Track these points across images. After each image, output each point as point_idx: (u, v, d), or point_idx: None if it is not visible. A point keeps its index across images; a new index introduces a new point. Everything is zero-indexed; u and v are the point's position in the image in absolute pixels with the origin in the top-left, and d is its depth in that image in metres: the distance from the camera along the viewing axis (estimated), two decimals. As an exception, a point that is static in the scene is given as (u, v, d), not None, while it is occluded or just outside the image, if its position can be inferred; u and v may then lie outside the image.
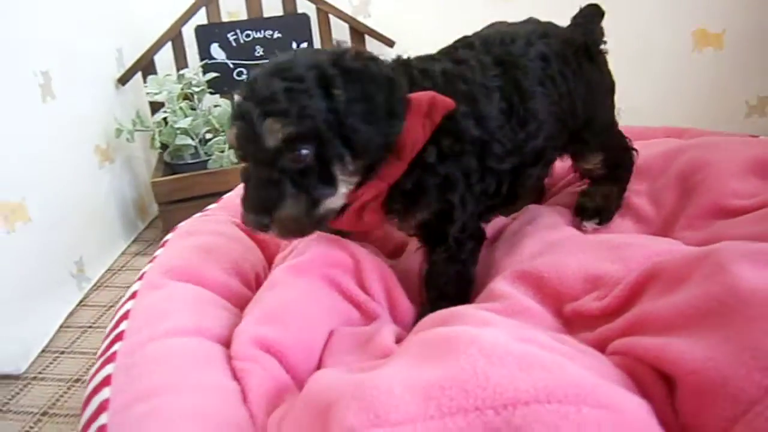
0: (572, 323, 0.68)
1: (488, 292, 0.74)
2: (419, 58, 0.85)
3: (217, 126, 1.63)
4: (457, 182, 0.77)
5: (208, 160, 1.60)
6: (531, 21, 0.97)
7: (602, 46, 1.00)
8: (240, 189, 1.16)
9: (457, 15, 1.97)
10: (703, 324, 0.50)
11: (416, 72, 0.80)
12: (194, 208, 1.22)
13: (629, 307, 0.61)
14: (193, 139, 1.61)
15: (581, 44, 0.94)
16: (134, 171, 1.84)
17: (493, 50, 0.86)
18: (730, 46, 1.93)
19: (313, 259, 0.82)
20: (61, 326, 1.30)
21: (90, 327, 1.29)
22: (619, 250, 0.72)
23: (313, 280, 0.80)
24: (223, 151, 1.59)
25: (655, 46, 1.98)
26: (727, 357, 0.46)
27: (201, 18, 1.81)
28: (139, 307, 0.78)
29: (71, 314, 1.35)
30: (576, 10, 1.05)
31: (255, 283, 0.92)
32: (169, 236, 1.00)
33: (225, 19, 1.88)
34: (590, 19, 1.02)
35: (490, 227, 0.95)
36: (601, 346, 0.60)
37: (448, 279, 0.81)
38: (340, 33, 1.94)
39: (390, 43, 1.97)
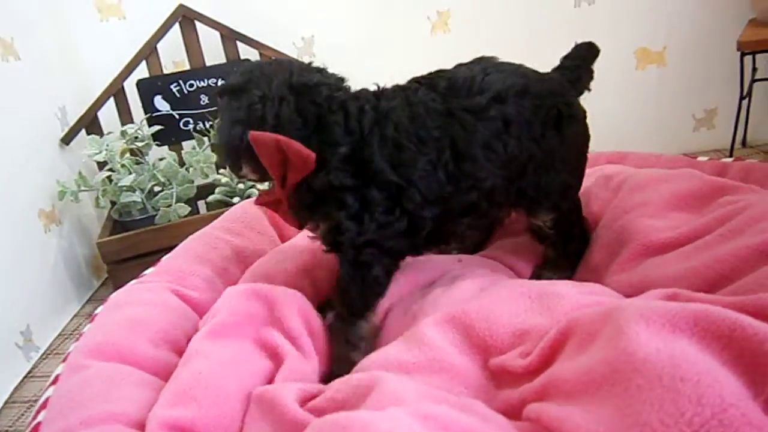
0: (498, 378, 0.67)
1: (416, 331, 0.72)
2: (385, 90, 0.85)
3: (162, 179, 1.61)
4: (346, 206, 0.78)
5: (156, 214, 1.57)
6: (519, 70, 0.88)
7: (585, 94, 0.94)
8: (179, 250, 1.15)
9: (403, 54, 1.98)
10: (598, 393, 0.49)
11: (353, 107, 0.80)
12: (144, 265, 1.19)
13: (548, 366, 0.60)
14: (139, 194, 1.58)
15: (553, 111, 0.85)
16: (85, 229, 1.81)
17: (451, 98, 0.82)
18: (673, 63, 1.97)
19: (225, 320, 0.80)
20: (6, 402, 1.26)
21: (38, 401, 1.24)
22: (549, 299, 0.70)
23: (230, 343, 0.78)
24: (170, 206, 1.57)
25: (598, 67, 2.00)
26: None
27: (142, 72, 1.79)
28: (58, 394, 0.75)
29: (18, 388, 1.31)
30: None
31: (188, 351, 0.90)
32: (99, 309, 0.97)
33: (168, 70, 1.87)
34: (580, 62, 0.94)
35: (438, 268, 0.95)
36: (521, 408, 0.59)
37: (348, 283, 0.81)
38: (287, 75, 1.94)
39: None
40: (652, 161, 1.23)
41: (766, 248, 0.73)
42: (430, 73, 0.88)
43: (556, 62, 0.96)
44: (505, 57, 0.90)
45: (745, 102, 1.79)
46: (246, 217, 1.23)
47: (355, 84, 0.86)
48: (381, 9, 1.95)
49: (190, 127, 1.83)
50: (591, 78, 0.95)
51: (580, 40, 0.97)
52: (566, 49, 0.96)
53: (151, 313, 0.92)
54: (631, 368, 0.48)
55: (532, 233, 0.97)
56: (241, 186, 1.64)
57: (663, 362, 0.47)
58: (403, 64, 1.96)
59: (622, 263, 0.91)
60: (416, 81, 0.87)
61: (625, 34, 1.94)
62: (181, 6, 1.75)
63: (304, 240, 1.16)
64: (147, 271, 1.13)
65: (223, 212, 1.25)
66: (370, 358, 0.72)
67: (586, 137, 0.95)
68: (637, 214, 0.96)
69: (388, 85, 0.87)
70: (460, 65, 0.90)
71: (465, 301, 0.80)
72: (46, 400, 0.75)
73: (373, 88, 0.86)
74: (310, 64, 0.87)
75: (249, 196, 1.62)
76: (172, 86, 1.80)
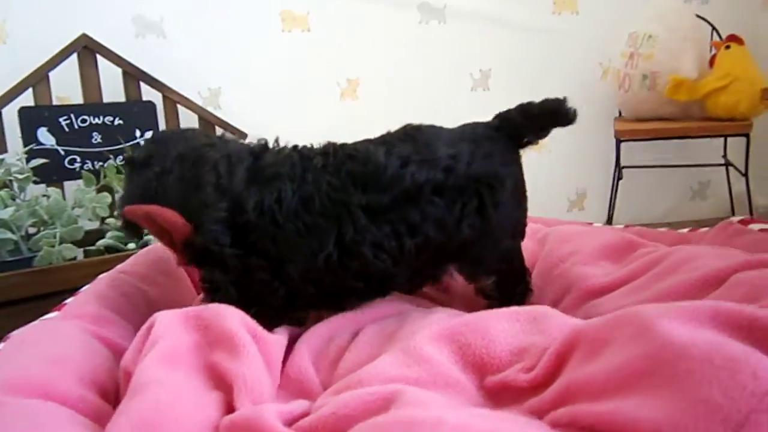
0: (497, 396, 0.64)
1: (410, 347, 0.68)
2: (268, 149, 0.83)
3: (45, 218, 1.41)
4: (227, 268, 0.78)
5: (34, 256, 1.36)
6: (446, 155, 0.79)
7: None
8: (88, 297, 0.99)
9: (312, 109, 2.01)
10: (639, 385, 0.50)
11: (223, 166, 0.78)
12: (17, 315, 1.02)
13: (555, 378, 0.60)
14: (14, 232, 1.37)
15: (473, 202, 0.80)
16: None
17: (352, 190, 0.76)
18: (552, 149, 2.19)
19: (173, 345, 0.71)
20: None
21: None
22: (539, 320, 0.71)
23: (183, 370, 0.69)
24: (53, 246, 1.37)
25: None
26: (683, 414, 0.44)
27: (27, 99, 1.61)
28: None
29: None
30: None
31: (115, 395, 0.77)
32: (-3, 346, 0.80)
33: (56, 102, 1.70)
34: (540, 118, 0.89)
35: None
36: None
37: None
38: (189, 123, 1.86)
39: (242, 136, 1.92)
40: (555, 224, 1.33)
41: (707, 280, 0.82)
42: (344, 147, 0.83)
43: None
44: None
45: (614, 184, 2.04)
46: (159, 264, 1.12)
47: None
48: (291, 67, 1.98)
49: (77, 165, 1.65)
50: (542, 135, 0.90)
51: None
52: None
53: (72, 352, 0.78)
54: (673, 356, 0.49)
55: (476, 290, 0.93)
56: (138, 230, 1.49)
57: (706, 346, 0.48)
58: (314, 123, 1.99)
59: (566, 308, 0.95)
60: (324, 152, 0.81)
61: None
62: (84, 36, 1.62)
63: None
64: (49, 315, 0.96)
65: (112, 259, 1.13)
66: (360, 374, 0.66)
67: (520, 202, 0.90)
68: (572, 262, 1.02)
69: (283, 143, 0.84)
70: (384, 139, 0.85)
71: (456, 315, 0.78)
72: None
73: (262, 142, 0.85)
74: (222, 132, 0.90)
75: (146, 244, 1.48)
76: (60, 119, 1.62)
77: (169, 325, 0.74)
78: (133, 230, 0.82)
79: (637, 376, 0.51)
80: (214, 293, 0.81)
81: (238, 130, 1.91)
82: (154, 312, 1.00)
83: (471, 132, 0.85)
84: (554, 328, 0.69)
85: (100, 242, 1.50)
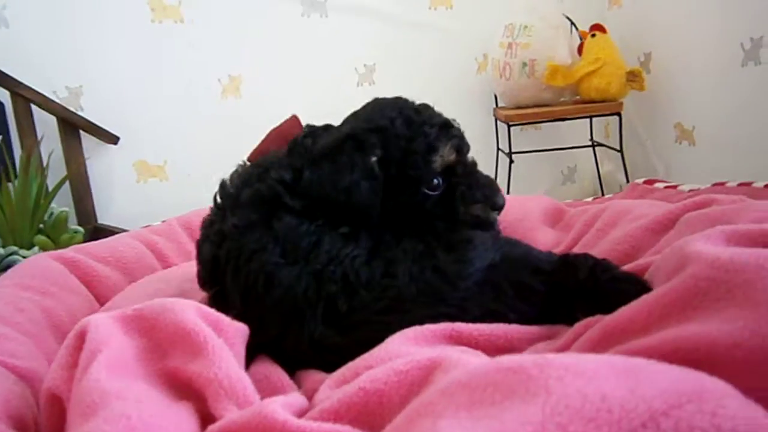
0: None
1: (414, 332, 0.61)
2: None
3: None
4: None
5: None
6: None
7: None
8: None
9: (193, 108, 1.84)
10: (695, 305, 0.48)
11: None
12: None
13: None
14: None
15: None
16: None
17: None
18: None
19: (119, 353, 0.58)
20: None
21: None
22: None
23: (138, 379, 0.56)
24: None
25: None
26: (761, 320, 0.43)
27: None
28: None
29: None
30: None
31: (34, 424, 0.60)
32: None
33: None
34: None
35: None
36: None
37: None
38: (47, 126, 1.60)
39: (113, 140, 1.70)
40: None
41: (659, 223, 0.84)
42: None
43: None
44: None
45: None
46: (48, 274, 0.94)
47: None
48: (163, 62, 1.79)
49: None
50: None
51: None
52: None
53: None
54: (723, 270, 0.48)
55: None
56: (0, 251, 1.24)
57: (749, 257, 0.48)
58: (197, 123, 1.82)
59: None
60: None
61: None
62: None
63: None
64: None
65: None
66: (366, 359, 0.57)
67: None
68: (525, 228, 1.02)
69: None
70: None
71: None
72: None
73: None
74: None
75: (9, 265, 1.24)
76: None
77: (109, 331, 0.60)
78: None
79: (688, 298, 0.49)
80: None
81: (109, 134, 1.69)
82: (52, 322, 0.83)
83: None
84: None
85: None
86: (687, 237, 0.57)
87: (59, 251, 1.02)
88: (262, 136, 1.85)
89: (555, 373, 0.35)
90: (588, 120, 2.08)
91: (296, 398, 0.54)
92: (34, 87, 1.56)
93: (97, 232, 1.62)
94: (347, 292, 0.63)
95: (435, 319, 0.60)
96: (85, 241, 1.16)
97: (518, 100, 1.95)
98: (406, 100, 0.78)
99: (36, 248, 1.28)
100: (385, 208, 0.71)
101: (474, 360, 0.48)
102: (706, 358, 0.45)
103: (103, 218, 1.72)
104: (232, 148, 1.82)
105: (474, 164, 0.78)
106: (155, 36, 1.76)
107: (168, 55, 1.79)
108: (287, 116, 1.90)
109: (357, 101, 2.18)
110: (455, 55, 2.16)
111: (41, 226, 1.35)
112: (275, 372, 0.65)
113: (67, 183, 1.63)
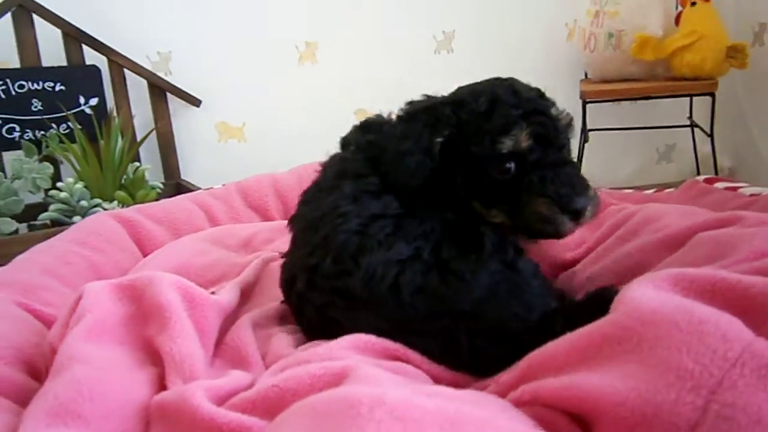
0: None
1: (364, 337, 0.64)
2: None
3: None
4: None
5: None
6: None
7: None
8: (22, 263, 0.92)
9: (266, 75, 1.92)
10: (607, 354, 0.46)
11: None
12: None
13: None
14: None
15: None
16: None
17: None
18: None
19: (100, 319, 0.65)
20: None
21: None
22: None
23: (110, 346, 0.63)
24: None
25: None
26: (650, 383, 0.41)
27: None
28: None
29: None
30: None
31: (45, 372, 0.71)
32: None
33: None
34: None
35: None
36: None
37: None
38: (138, 89, 1.76)
39: (196, 103, 1.83)
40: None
41: (670, 240, 0.79)
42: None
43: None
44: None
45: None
46: (103, 231, 1.05)
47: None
48: (243, 30, 1.88)
49: (16, 134, 1.55)
50: None
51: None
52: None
53: (-5, 326, 0.72)
54: (640, 322, 0.46)
55: None
56: (83, 203, 1.40)
57: (673, 311, 0.45)
58: (271, 90, 1.91)
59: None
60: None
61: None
62: (18, -7, 1.50)
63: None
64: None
65: (57, 232, 1.04)
66: (309, 354, 0.61)
67: None
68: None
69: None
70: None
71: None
72: None
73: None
74: None
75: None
76: (-5, 85, 1.51)
77: (99, 297, 0.68)
78: None
79: (601, 348, 0.47)
80: None
81: (192, 97, 1.82)
82: (98, 275, 0.94)
83: None
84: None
85: (43, 215, 1.41)
86: (640, 277, 0.54)
87: (118, 210, 1.15)
88: (336, 103, 1.91)
89: (380, 415, 0.37)
90: (688, 97, 1.90)
91: (228, 382, 0.59)
92: (129, 53, 1.71)
93: (179, 188, 1.77)
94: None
95: (381, 332, 0.61)
96: (167, 196, 1.28)
97: (604, 73, 1.82)
98: (516, 81, 0.73)
99: (115, 202, 1.44)
100: (447, 185, 0.69)
101: (375, 375, 0.50)
102: (594, 412, 0.44)
103: (187, 175, 1.87)
104: (307, 113, 1.91)
105: (563, 158, 0.69)
106: (236, 4, 1.84)
107: (248, 22, 1.87)
108: (363, 82, 1.94)
109: (434, 70, 2.20)
110: (542, 20, 2.04)
111: (123, 181, 1.51)
112: (248, 345, 0.70)
113: (156, 143, 1.79)
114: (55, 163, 1.56)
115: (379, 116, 0.80)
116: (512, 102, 0.68)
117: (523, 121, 0.66)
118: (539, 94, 0.71)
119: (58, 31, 1.60)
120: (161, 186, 1.65)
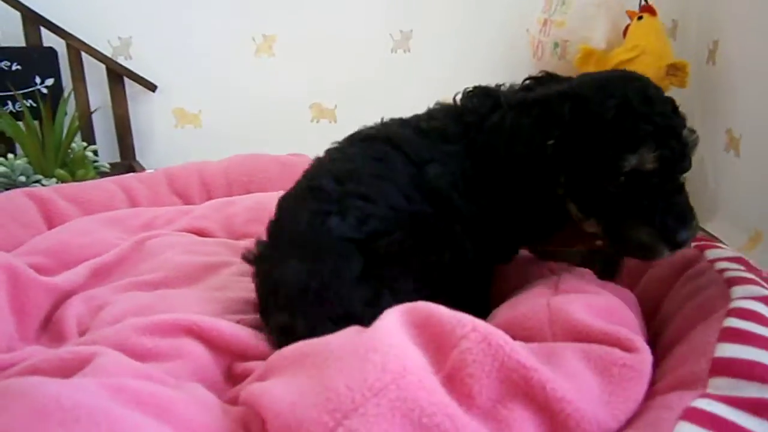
0: (235, 380, 0.66)
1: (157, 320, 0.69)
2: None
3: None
4: None
5: None
6: None
7: None
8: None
9: (225, 66, 1.97)
10: (295, 366, 0.52)
11: None
12: None
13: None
14: None
15: None
16: None
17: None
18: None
19: None
20: None
21: None
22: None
23: None
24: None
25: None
26: (306, 399, 0.46)
27: None
28: None
29: None
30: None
31: None
32: None
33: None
34: None
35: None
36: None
37: None
38: (95, 73, 1.83)
39: (152, 87, 1.89)
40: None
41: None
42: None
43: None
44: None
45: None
46: (10, 207, 1.11)
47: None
48: (203, 19, 1.93)
49: (-30, 112, 1.63)
50: None
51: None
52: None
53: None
54: (322, 340, 0.52)
55: None
56: (22, 178, 1.48)
57: (358, 337, 0.50)
58: (227, 84, 1.97)
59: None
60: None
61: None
62: (-26, -24, 1.58)
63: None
64: None
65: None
66: (95, 336, 0.68)
67: None
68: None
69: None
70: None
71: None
72: None
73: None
74: None
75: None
76: (-51, 62, 1.60)
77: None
78: None
79: (294, 359, 0.54)
80: None
81: (148, 82, 1.88)
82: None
83: None
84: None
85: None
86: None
87: (35, 188, 1.19)
88: (291, 96, 1.95)
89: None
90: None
91: (13, 357, 0.65)
92: (91, 37, 1.78)
93: (131, 169, 1.84)
94: None
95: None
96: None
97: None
98: (650, 84, 0.66)
99: (54, 179, 1.52)
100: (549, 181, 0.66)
101: (119, 363, 0.56)
102: (267, 420, 0.49)
103: (143, 157, 1.95)
104: (262, 104, 1.96)
105: (679, 185, 0.64)
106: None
107: (208, 12, 1.92)
108: (319, 78, 1.98)
109: (391, 67, 2.21)
110: (503, 25, 2.05)
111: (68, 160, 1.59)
112: (69, 319, 0.76)
113: (114, 126, 1.87)
114: (5, 140, 1.64)
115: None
116: (644, 112, 0.61)
117: (653, 141, 0.61)
118: (673, 108, 0.65)
119: (17, 13, 1.67)
120: (107, 166, 1.72)
